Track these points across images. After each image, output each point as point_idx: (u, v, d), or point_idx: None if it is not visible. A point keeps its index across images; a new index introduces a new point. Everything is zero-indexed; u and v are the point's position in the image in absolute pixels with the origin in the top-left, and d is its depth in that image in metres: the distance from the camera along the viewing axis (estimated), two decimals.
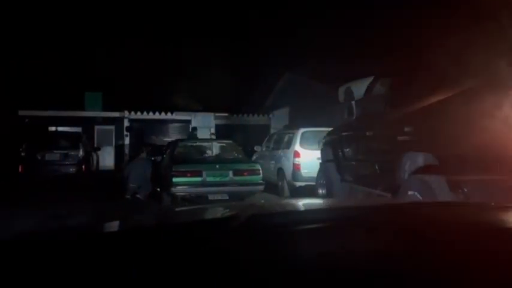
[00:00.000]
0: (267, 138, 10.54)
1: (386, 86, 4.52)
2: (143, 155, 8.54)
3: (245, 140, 12.08)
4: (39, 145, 10.84)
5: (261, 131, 15.29)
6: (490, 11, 2.98)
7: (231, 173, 6.88)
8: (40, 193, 8.03)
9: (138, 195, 7.67)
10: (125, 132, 16.69)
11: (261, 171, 7.11)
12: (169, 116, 17.10)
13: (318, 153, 6.70)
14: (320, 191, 6.26)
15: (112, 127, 17.08)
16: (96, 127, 16.87)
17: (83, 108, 16.86)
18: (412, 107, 3.45)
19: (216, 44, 19.05)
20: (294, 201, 5.21)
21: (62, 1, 18.82)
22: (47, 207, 6.35)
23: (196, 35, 20.29)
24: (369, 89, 4.92)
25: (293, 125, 11.93)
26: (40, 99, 15.70)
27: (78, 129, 14.65)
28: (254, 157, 9.93)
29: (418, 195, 3.25)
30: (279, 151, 8.97)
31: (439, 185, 3.04)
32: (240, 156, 7.75)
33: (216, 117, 17.34)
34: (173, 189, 6.59)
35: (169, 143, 8.98)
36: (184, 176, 6.65)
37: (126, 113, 16.75)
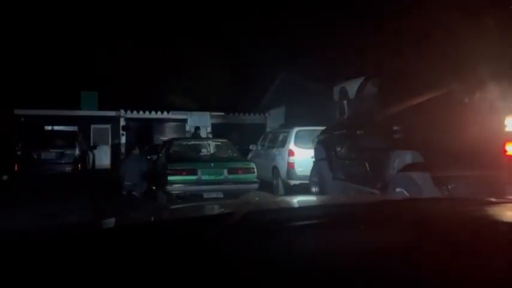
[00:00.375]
0: (262, 137, 10.62)
1: (377, 86, 4.63)
2: (135, 151, 8.60)
3: (241, 139, 12.15)
4: (35, 144, 10.88)
5: (257, 130, 15.34)
6: (470, 17, 3.08)
7: (225, 171, 6.96)
8: (35, 192, 8.08)
9: (134, 193, 7.74)
10: (121, 131, 16.73)
11: (255, 170, 7.19)
12: (165, 115, 17.16)
13: (312, 152, 6.80)
14: (313, 189, 6.37)
15: (108, 126, 17.12)
16: (92, 126, 16.90)
17: (79, 107, 16.87)
18: (400, 107, 3.55)
19: (212, 43, 19.13)
20: (288, 198, 5.28)
21: (58, 0, 18.82)
22: (41, 205, 6.39)
23: (193, 34, 20.35)
24: (360, 89, 5.02)
25: (289, 124, 12.02)
26: (36, 98, 15.69)
27: (74, 128, 14.70)
28: (250, 156, 10.01)
29: (405, 192, 3.35)
30: (274, 150, 9.06)
31: (425, 181, 3.14)
32: (235, 154, 7.83)
33: (212, 116, 17.40)
34: (168, 188, 6.66)
35: (165, 141, 9.05)
36: (180, 174, 6.72)
37: (122, 112, 16.79)
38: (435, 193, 3.04)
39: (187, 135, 15.02)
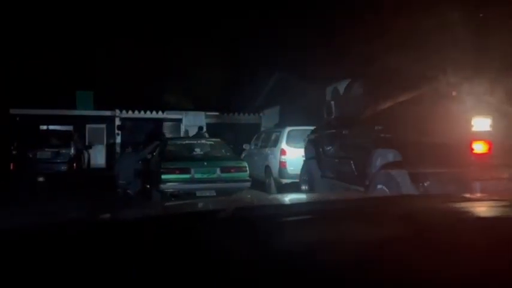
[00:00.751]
0: (255, 137, 10.77)
1: (362, 87, 4.80)
2: (128, 150, 8.74)
3: (236, 139, 12.28)
4: (30, 143, 10.96)
5: (252, 130, 15.45)
6: (451, 20, 3.26)
7: (218, 170, 7.10)
8: (31, 191, 8.18)
9: (128, 191, 7.88)
10: (116, 131, 16.83)
11: (247, 169, 7.34)
12: (160, 114, 17.27)
13: (303, 151, 6.96)
14: (303, 187, 6.53)
15: (103, 126, 17.21)
16: (88, 126, 16.99)
17: (74, 107, 16.95)
18: (382, 107, 3.72)
19: (207, 44, 19.26)
20: (279, 196, 5.43)
21: (53, 0, 18.86)
22: (35, 204, 6.49)
23: (188, 35, 20.47)
24: (347, 90, 5.19)
25: (283, 123, 12.17)
26: (31, 98, 15.75)
27: (70, 128, 14.78)
28: (243, 155, 10.16)
29: (385, 188, 3.52)
30: (267, 149, 9.21)
31: (403, 178, 3.31)
32: (228, 153, 7.98)
33: (207, 116, 17.53)
34: (162, 186, 6.80)
35: (159, 140, 9.18)
36: (173, 173, 6.87)
37: (118, 112, 16.89)
38: (412, 189, 3.21)
39: (183, 134, 15.18)
